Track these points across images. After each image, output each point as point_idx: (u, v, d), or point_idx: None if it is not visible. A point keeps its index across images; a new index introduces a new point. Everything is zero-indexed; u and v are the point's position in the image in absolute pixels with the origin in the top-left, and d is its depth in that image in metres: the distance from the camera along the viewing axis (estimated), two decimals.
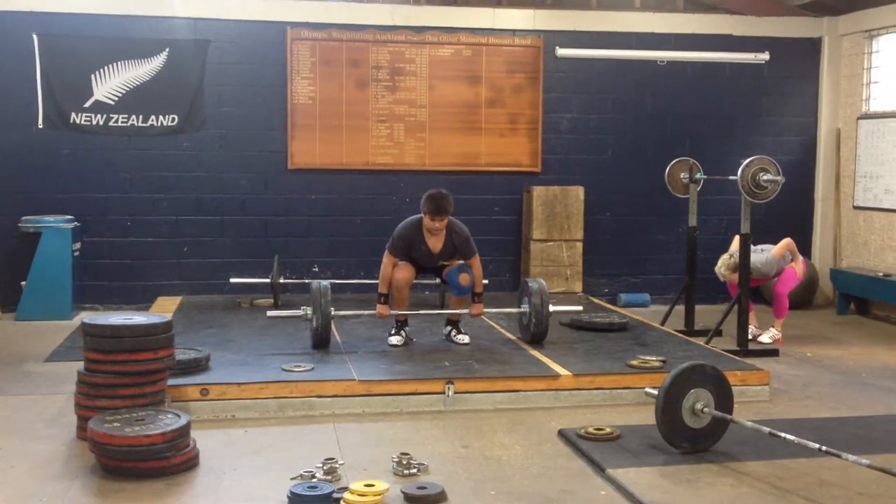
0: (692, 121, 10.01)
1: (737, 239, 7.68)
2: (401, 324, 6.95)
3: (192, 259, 9.31)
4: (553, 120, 9.83)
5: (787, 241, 8.02)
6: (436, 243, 6.76)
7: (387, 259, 6.79)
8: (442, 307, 8.25)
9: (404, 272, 6.79)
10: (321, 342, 6.61)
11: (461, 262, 6.84)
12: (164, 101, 9.07)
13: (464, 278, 6.73)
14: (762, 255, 7.89)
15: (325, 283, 6.71)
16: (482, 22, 9.62)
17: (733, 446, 4.95)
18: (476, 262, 6.83)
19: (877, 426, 5.55)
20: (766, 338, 7.98)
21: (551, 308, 6.87)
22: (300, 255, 9.43)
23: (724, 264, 7.82)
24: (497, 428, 5.43)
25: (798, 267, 8.04)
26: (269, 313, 7.06)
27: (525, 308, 6.94)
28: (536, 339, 6.89)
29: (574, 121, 9.88)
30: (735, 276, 7.62)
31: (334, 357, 6.42)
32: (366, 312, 7.14)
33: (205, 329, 7.45)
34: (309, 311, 6.61)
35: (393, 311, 6.85)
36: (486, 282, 9.36)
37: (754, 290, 8.25)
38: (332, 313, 6.63)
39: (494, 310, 7.40)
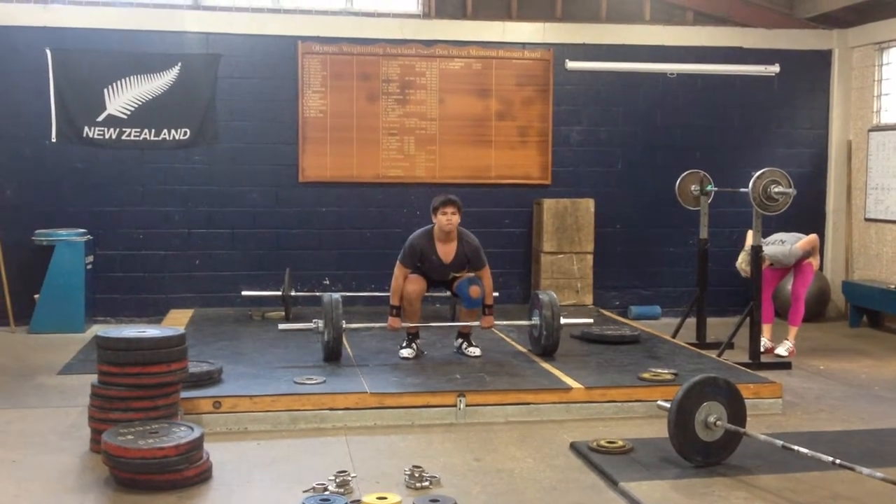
0: (703, 133, 10.02)
1: (750, 234, 7.71)
2: (412, 336, 6.96)
3: (204, 272, 9.35)
4: (563, 132, 9.84)
5: (813, 237, 8.08)
6: (447, 252, 6.78)
7: (398, 271, 6.81)
8: (453, 319, 8.26)
9: (416, 285, 6.80)
10: (332, 355, 6.62)
11: (472, 274, 6.85)
12: (176, 115, 9.12)
13: (474, 290, 6.75)
14: (784, 247, 7.96)
15: (337, 296, 6.73)
16: (492, 35, 9.65)
17: (746, 459, 4.94)
18: (487, 273, 6.84)
19: (890, 439, 5.53)
20: (782, 350, 7.96)
21: (562, 321, 6.86)
22: (311, 267, 9.45)
23: (744, 260, 7.82)
24: (509, 441, 5.43)
25: (815, 262, 8.12)
26: (281, 326, 7.08)
27: (536, 320, 6.94)
28: (547, 352, 6.89)
29: (584, 133, 9.89)
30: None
31: (346, 370, 6.43)
32: (377, 325, 7.15)
33: (217, 342, 7.47)
34: (321, 324, 6.63)
35: (404, 324, 6.86)
36: (496, 294, 9.38)
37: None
38: (344, 326, 6.64)
39: (505, 322, 7.40)
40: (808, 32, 10.11)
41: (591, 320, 7.73)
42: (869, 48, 9.87)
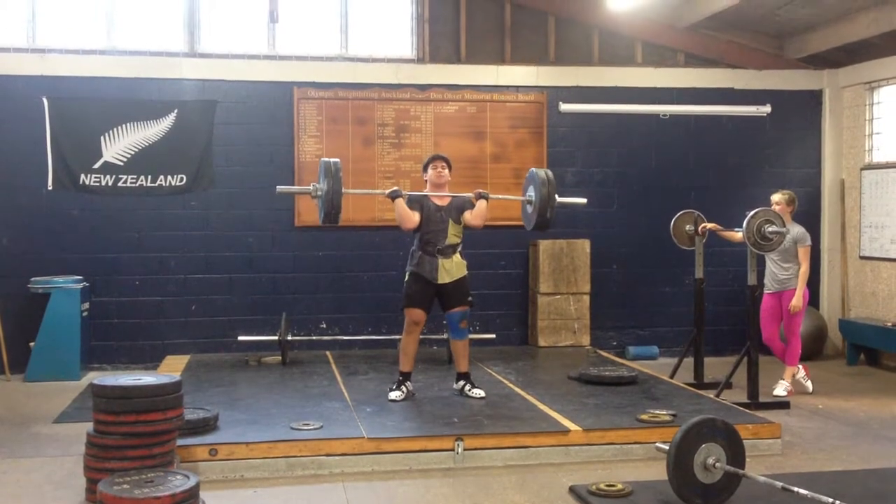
0: (696, 173, 10.07)
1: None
2: (403, 377, 6.95)
3: (201, 317, 9.32)
4: (558, 174, 9.70)
5: (805, 269, 7.96)
6: (441, 199, 6.96)
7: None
8: (449, 362, 8.25)
9: (419, 314, 6.86)
10: (332, 209, 6.54)
11: (465, 309, 6.93)
12: (172, 161, 9.16)
13: (463, 323, 6.93)
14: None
15: (335, 159, 6.70)
16: (486, 79, 9.74)
17: (746, 501, 4.91)
18: (482, 203, 6.89)
19: (890, 479, 5.50)
20: (780, 390, 7.93)
21: (558, 199, 6.81)
22: (308, 312, 9.44)
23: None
24: (507, 485, 5.39)
25: (800, 301, 7.88)
26: (279, 189, 7.16)
27: (531, 195, 6.89)
28: (541, 226, 6.88)
29: (578, 175, 9.94)
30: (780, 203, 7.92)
31: (343, 414, 6.40)
32: (377, 192, 7.24)
33: (213, 388, 7.44)
34: (318, 185, 6.60)
35: (402, 369, 6.89)
36: (493, 336, 9.39)
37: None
38: (343, 192, 6.59)
39: (501, 196, 7.45)
40: (799, 73, 10.21)
41: (584, 200, 7.62)
42: (859, 88, 9.96)
